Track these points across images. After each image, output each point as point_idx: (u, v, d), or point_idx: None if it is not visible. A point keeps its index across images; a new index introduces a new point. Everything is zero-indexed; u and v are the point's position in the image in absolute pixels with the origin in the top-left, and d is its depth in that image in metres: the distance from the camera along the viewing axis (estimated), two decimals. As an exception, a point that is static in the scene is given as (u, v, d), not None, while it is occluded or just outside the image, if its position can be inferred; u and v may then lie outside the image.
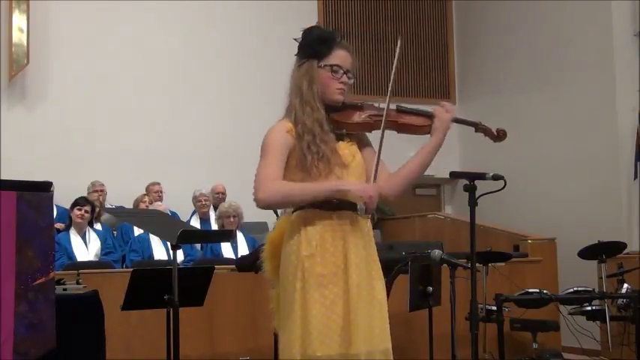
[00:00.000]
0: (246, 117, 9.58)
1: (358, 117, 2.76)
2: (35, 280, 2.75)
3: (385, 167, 2.77)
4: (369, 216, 2.75)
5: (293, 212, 2.73)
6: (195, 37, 9.56)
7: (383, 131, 2.70)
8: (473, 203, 2.76)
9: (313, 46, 2.74)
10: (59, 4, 8.92)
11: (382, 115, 2.71)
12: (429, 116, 2.77)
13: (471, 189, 2.77)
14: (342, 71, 2.74)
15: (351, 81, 2.78)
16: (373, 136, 2.83)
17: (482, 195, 2.88)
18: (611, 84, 8.35)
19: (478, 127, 2.82)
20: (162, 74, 9.31)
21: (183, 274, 4.22)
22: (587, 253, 6.16)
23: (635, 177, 8.04)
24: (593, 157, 8.44)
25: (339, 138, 2.75)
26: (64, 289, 3.74)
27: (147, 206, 7.63)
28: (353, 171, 2.73)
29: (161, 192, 8.42)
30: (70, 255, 6.47)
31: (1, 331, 2.63)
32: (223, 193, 8.59)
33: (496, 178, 2.75)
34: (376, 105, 2.78)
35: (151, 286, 4.31)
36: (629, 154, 8.15)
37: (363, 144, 2.83)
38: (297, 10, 9.97)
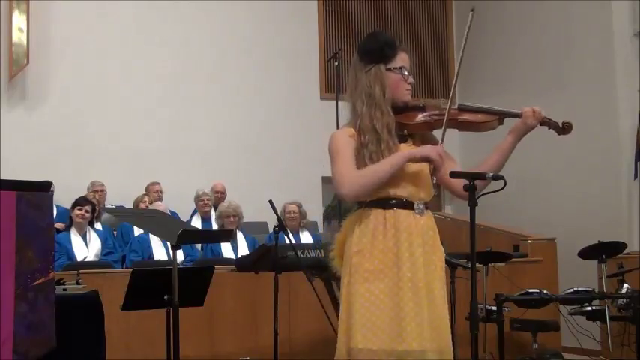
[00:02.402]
0: (246, 117, 9.59)
1: (419, 118, 2.82)
2: (35, 280, 2.75)
3: (456, 166, 2.85)
4: (427, 212, 2.80)
5: (355, 210, 2.82)
6: (195, 38, 9.56)
7: (444, 131, 2.76)
8: (473, 203, 2.75)
9: (381, 50, 2.80)
10: (59, 4, 8.93)
11: (442, 115, 2.78)
12: (500, 113, 2.85)
13: (471, 189, 2.77)
14: (407, 72, 2.83)
15: (414, 81, 2.87)
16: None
17: (482, 195, 2.88)
18: (611, 84, 8.34)
19: (550, 125, 2.88)
20: (163, 74, 9.31)
21: (183, 274, 4.21)
22: (587, 253, 6.16)
23: (635, 177, 8.04)
24: (593, 157, 8.44)
25: (402, 140, 2.82)
26: (64, 289, 3.75)
27: (147, 206, 7.63)
28: (420, 169, 2.79)
29: (161, 192, 8.43)
30: (71, 255, 6.47)
31: (1, 331, 2.63)
32: (223, 193, 8.60)
33: (496, 178, 2.74)
34: (436, 104, 2.84)
35: (150, 286, 4.31)
36: (629, 154, 8.15)
37: (429, 144, 2.86)
38: (298, 11, 9.99)
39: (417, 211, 2.77)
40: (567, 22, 8.95)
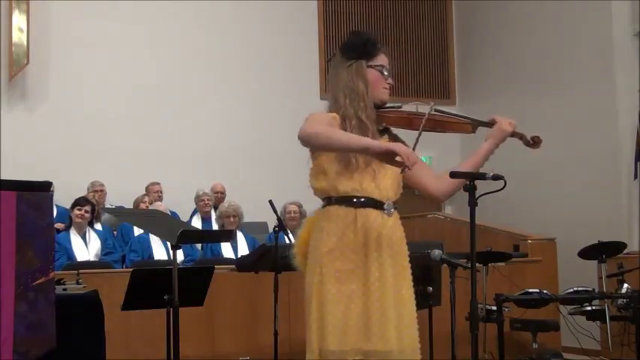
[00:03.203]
0: (247, 117, 9.59)
1: (398, 113, 2.85)
2: (35, 280, 2.75)
3: (427, 167, 2.87)
4: (395, 213, 2.79)
5: (321, 208, 2.79)
6: (195, 37, 9.56)
7: (421, 131, 2.76)
8: (473, 203, 2.75)
9: (365, 46, 2.83)
10: (59, 4, 8.92)
11: (421, 115, 2.79)
12: (474, 120, 2.90)
13: (471, 189, 2.77)
14: (387, 72, 2.85)
15: (393, 82, 2.89)
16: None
17: (482, 195, 2.87)
18: (611, 84, 8.34)
19: (515, 134, 2.93)
20: (163, 74, 9.31)
21: (183, 274, 4.22)
22: (587, 253, 6.16)
23: (635, 177, 8.03)
24: (594, 157, 8.44)
25: (379, 134, 2.82)
26: (64, 289, 3.75)
27: (147, 206, 7.63)
28: (389, 169, 2.75)
29: (161, 192, 8.43)
30: (70, 255, 6.47)
31: (1, 331, 2.63)
32: (222, 193, 8.60)
33: (496, 178, 2.74)
34: (412, 109, 2.85)
35: (150, 286, 4.31)
36: (629, 154, 8.14)
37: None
38: (298, 11, 9.98)
39: (386, 212, 2.76)
40: (567, 22, 8.95)
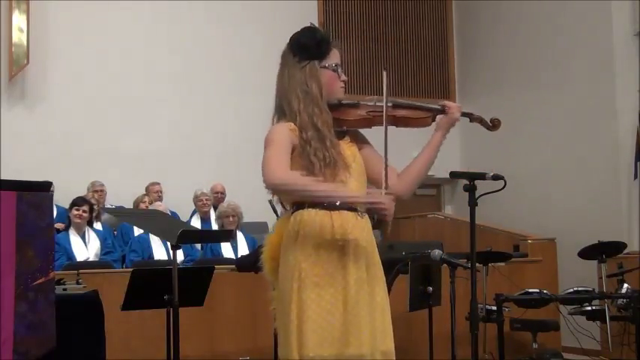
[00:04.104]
0: (247, 117, 9.57)
1: (358, 113, 2.77)
2: (35, 280, 2.75)
3: (390, 166, 2.76)
4: (368, 215, 2.73)
5: (292, 213, 2.71)
6: (195, 37, 9.55)
7: (386, 130, 2.70)
8: (473, 203, 2.76)
9: (317, 46, 2.74)
10: (59, 4, 8.92)
11: (380, 111, 2.71)
12: (429, 110, 2.80)
13: (471, 189, 2.78)
14: (340, 69, 2.78)
15: (346, 79, 2.83)
16: (373, 136, 2.83)
17: (482, 195, 2.88)
18: (611, 84, 8.34)
19: (473, 118, 2.87)
20: (163, 75, 9.30)
21: (183, 274, 4.22)
22: (587, 253, 6.17)
23: (635, 177, 8.04)
24: (594, 157, 8.44)
25: (339, 136, 2.75)
26: (64, 289, 3.75)
27: (147, 206, 7.63)
28: (354, 172, 2.71)
29: (161, 192, 8.42)
30: (70, 255, 6.47)
31: (1, 331, 2.63)
32: (222, 193, 8.59)
33: (496, 178, 2.75)
34: (370, 103, 2.78)
35: (150, 286, 4.32)
36: (629, 154, 8.15)
37: (359, 142, 2.82)
38: (297, 10, 9.97)
39: (359, 213, 2.69)
40: (567, 22, 8.95)
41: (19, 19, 8.64)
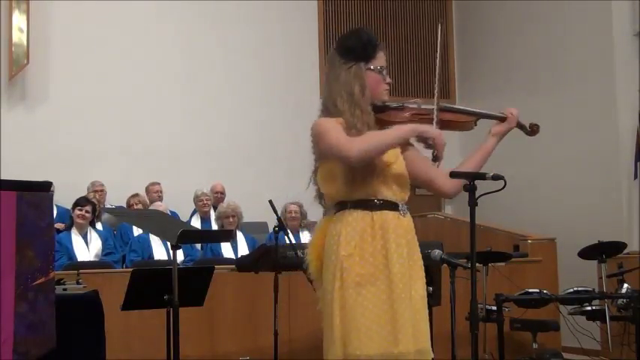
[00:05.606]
0: (246, 117, 9.59)
1: (401, 116, 2.82)
2: (35, 280, 2.75)
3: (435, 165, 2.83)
4: (408, 213, 2.78)
5: (334, 213, 2.77)
6: (195, 37, 9.55)
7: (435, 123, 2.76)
8: (473, 203, 2.76)
9: (363, 49, 2.79)
10: (59, 4, 8.92)
11: (425, 114, 2.79)
12: (474, 114, 2.90)
13: (471, 189, 2.77)
14: (386, 72, 2.84)
15: (391, 81, 2.89)
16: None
17: (482, 195, 2.87)
18: (611, 84, 8.34)
19: (518, 125, 2.96)
20: (162, 74, 9.31)
21: (183, 274, 4.22)
22: (587, 253, 6.17)
23: (635, 177, 8.04)
24: (593, 157, 8.44)
25: None
26: (64, 289, 3.75)
27: (136, 206, 7.62)
28: (395, 171, 2.76)
29: (161, 192, 8.42)
30: (71, 255, 6.47)
31: (1, 331, 2.63)
32: (222, 193, 8.59)
33: (496, 178, 2.74)
34: (414, 106, 2.84)
35: (150, 286, 4.31)
36: (629, 154, 8.15)
37: (404, 145, 2.85)
38: (298, 10, 9.99)
39: (401, 212, 2.75)
40: (567, 21, 8.95)
41: (19, 19, 8.65)
